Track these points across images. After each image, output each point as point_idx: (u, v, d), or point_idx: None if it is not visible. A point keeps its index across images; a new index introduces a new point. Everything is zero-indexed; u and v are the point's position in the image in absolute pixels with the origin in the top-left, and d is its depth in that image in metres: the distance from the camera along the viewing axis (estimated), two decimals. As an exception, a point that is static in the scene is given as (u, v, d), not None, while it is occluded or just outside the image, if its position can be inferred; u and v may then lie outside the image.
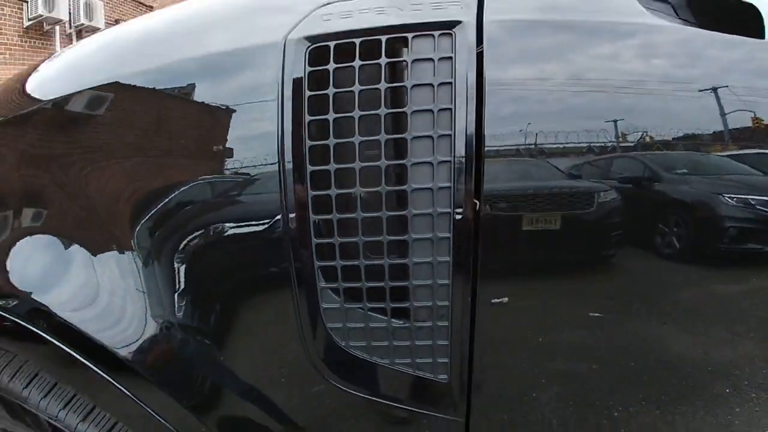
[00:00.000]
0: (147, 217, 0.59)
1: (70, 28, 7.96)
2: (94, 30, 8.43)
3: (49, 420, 0.71)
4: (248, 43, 0.56)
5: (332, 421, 0.63)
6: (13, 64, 7.04)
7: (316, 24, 0.52)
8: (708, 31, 0.52)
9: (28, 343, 0.70)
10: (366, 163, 0.50)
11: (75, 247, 0.65)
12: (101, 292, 0.62)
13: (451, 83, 0.48)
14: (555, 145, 0.50)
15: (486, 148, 0.49)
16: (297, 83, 0.51)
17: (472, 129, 0.48)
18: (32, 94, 0.76)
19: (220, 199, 0.58)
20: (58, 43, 7.79)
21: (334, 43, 0.51)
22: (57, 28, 7.72)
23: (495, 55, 0.50)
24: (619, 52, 0.52)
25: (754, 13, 0.53)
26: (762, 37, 0.53)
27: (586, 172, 0.51)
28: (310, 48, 0.52)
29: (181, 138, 0.59)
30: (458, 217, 0.50)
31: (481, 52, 0.49)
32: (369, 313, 0.54)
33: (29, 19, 7.19)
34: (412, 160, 0.49)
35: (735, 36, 0.51)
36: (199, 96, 0.57)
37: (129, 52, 0.68)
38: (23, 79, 0.78)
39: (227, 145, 0.57)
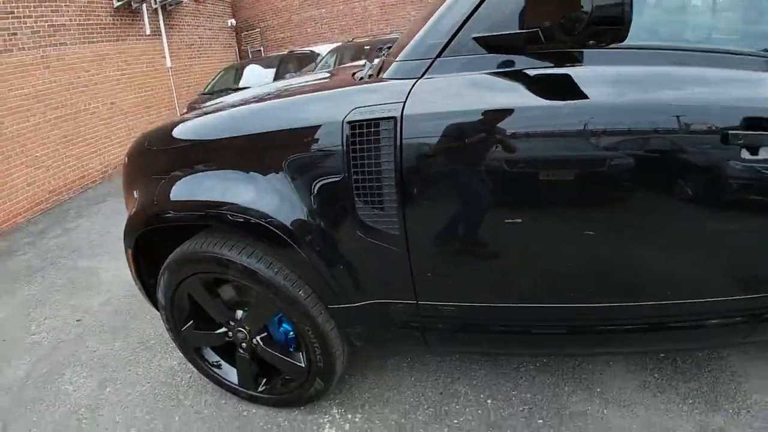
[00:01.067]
0: (304, 185, 1.75)
1: (155, 4, 9.24)
2: (177, 4, 9.74)
3: (240, 263, 1.90)
4: (333, 119, 1.66)
5: (364, 253, 1.75)
6: (108, 41, 8.43)
7: (353, 115, 1.62)
8: None
9: (236, 227, 1.89)
10: (367, 161, 1.63)
11: (256, 181, 1.82)
12: (297, 216, 1.79)
13: (394, 137, 1.61)
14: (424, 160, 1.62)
15: (404, 155, 1.59)
16: (347, 137, 1.62)
17: (399, 153, 1.59)
18: (177, 137, 2.02)
19: (328, 168, 1.68)
20: (146, 19, 9.07)
21: (358, 122, 1.62)
22: (144, 6, 8.97)
23: (407, 129, 1.59)
24: None
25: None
26: None
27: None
28: (351, 124, 1.63)
29: (299, 150, 1.77)
30: (403, 183, 1.61)
31: (401, 126, 1.60)
32: (371, 208, 1.65)
33: (118, 0, 8.47)
34: (382, 166, 1.64)
35: None
36: (301, 135, 1.74)
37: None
38: (170, 127, 2.05)
39: (323, 150, 1.70)
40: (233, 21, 12.51)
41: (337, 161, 1.68)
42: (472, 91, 1.60)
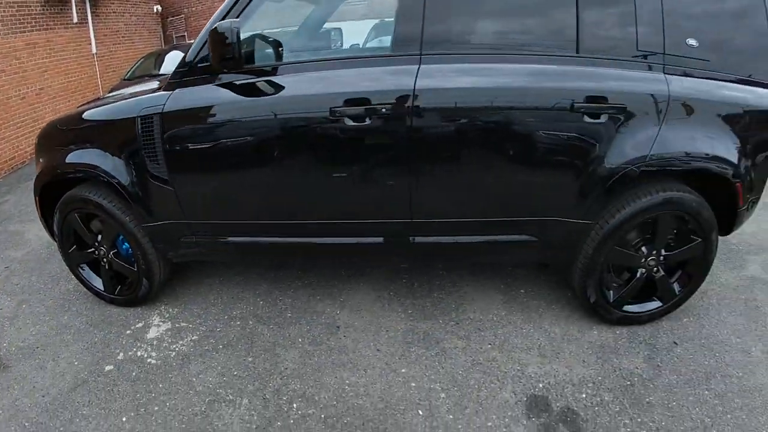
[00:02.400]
0: (125, 152, 3.22)
1: (84, -7, 10.31)
2: (103, -5, 10.95)
3: (95, 200, 3.43)
4: (134, 114, 3.09)
5: (154, 191, 3.23)
6: (38, 30, 9.50)
7: (141, 112, 3.05)
8: None
9: (100, 182, 3.36)
10: (149, 138, 3.08)
11: (105, 153, 3.29)
12: (117, 166, 3.25)
13: (160, 124, 3.03)
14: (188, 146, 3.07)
15: (164, 135, 3.04)
16: (140, 125, 3.06)
17: (162, 133, 3.04)
18: (85, 118, 3.42)
19: (134, 142, 3.14)
20: (74, 8, 10.22)
21: (144, 116, 3.05)
22: (72, -5, 9.98)
23: (165, 120, 3.03)
24: None
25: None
26: None
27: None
28: (141, 117, 3.06)
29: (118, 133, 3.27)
30: (165, 151, 3.09)
31: (162, 118, 3.04)
32: (154, 164, 3.12)
33: (48, -9, 9.36)
34: (155, 141, 3.10)
35: None
36: (122, 123, 3.20)
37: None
38: (81, 112, 3.47)
39: (131, 133, 3.17)
40: (159, 7, 13.71)
41: (138, 139, 3.11)
42: (194, 95, 3.03)
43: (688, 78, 2.90)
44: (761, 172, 3.14)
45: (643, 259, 3.19)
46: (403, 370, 3.07)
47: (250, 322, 3.58)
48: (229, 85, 2.97)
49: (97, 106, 3.47)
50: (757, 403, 2.79)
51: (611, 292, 3.29)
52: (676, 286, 3.34)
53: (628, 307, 3.35)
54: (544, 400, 2.83)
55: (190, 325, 3.59)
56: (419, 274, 4.05)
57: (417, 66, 2.82)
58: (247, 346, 3.34)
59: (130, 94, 3.51)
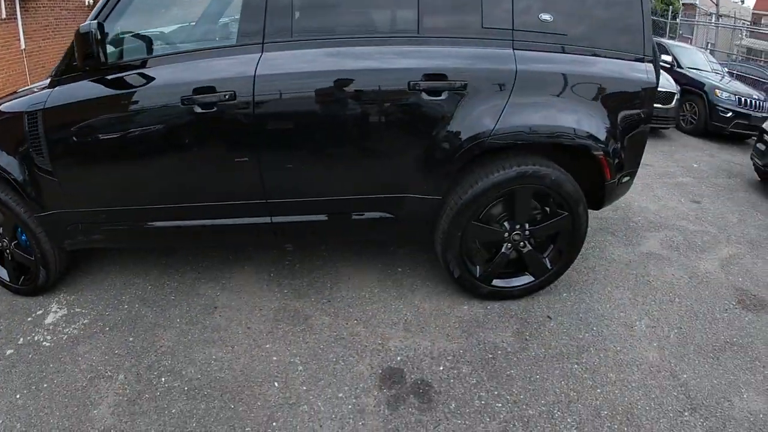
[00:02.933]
0: (16, 146, 3.49)
1: (11, -8, 10.40)
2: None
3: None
4: (22, 110, 3.37)
5: (41, 182, 3.50)
6: None
7: (29, 108, 3.35)
8: None
9: None
10: (34, 132, 3.35)
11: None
12: (10, 161, 3.52)
13: (42, 119, 3.34)
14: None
15: (46, 129, 3.36)
16: (27, 120, 3.36)
17: (44, 127, 3.36)
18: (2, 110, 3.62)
19: (24, 138, 3.42)
20: (2, 4, 10.34)
21: (30, 112, 3.34)
22: (-1, -7, 10.13)
23: (46, 115, 3.33)
24: None
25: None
26: None
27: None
28: (27, 113, 3.35)
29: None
30: (48, 144, 3.40)
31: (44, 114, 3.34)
32: (39, 156, 3.41)
33: (-26, -14, 9.51)
34: (39, 134, 3.38)
35: None
36: (13, 119, 3.49)
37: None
38: None
39: (21, 128, 3.47)
40: (91, 0, 13.84)
41: (26, 134, 3.37)
42: (70, 92, 3.30)
43: (539, 53, 3.12)
44: (632, 147, 3.38)
45: (507, 234, 3.38)
46: (267, 346, 3.39)
47: (136, 306, 3.88)
48: (100, 80, 3.24)
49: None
50: (633, 377, 3.05)
51: (478, 267, 3.50)
52: (547, 261, 3.56)
53: (497, 282, 3.56)
54: (399, 373, 3.06)
55: (84, 310, 3.87)
56: (303, 256, 4.37)
57: (259, 55, 3.08)
58: (131, 327, 3.65)
59: (26, 91, 3.78)
